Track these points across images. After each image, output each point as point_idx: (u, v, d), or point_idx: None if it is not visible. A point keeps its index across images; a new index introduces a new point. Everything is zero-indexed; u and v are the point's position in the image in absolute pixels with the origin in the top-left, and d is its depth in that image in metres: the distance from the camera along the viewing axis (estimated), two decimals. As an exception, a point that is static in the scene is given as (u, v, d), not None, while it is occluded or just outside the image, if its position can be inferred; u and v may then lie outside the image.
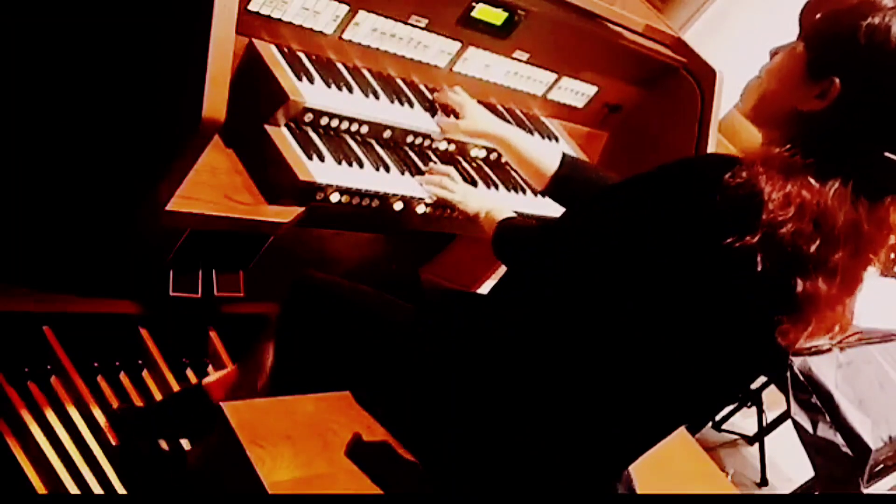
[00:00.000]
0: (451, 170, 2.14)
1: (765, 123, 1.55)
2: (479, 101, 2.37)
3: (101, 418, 2.07)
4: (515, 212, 2.26)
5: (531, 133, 2.49)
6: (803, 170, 1.40)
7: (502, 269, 1.90)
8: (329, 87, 1.99)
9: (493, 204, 1.97)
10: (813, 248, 1.39)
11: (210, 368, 2.35)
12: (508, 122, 2.43)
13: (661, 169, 1.53)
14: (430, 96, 2.24)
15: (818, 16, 1.48)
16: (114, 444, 2.05)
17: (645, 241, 1.46)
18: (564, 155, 2.08)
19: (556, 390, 1.54)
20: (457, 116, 2.20)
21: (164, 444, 2.12)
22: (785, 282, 1.40)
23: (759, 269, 1.37)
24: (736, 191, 1.37)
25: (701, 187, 1.41)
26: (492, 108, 2.35)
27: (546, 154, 2.09)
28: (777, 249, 1.37)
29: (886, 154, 1.41)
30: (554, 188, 2.05)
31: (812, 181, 1.40)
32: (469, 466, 1.58)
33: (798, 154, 1.42)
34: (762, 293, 1.41)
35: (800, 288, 1.40)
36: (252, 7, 1.85)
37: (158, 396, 2.22)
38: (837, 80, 1.42)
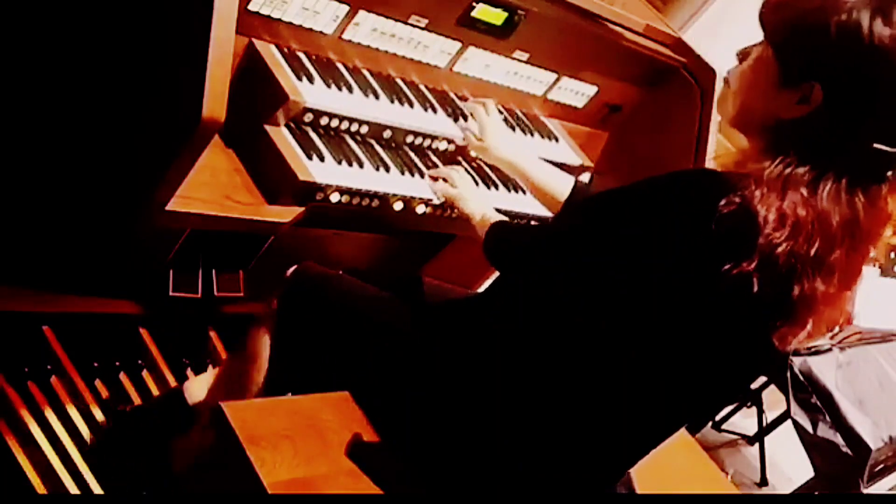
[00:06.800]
0: (459, 169, 2.15)
1: (750, 133, 1.52)
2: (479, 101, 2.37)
3: (101, 418, 2.07)
4: (515, 212, 2.27)
5: (531, 134, 2.49)
6: (798, 182, 1.38)
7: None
8: (329, 87, 1.99)
9: (493, 212, 1.97)
10: (812, 252, 1.37)
11: (210, 368, 2.35)
12: (508, 122, 2.43)
13: (655, 185, 1.48)
14: (430, 97, 2.25)
15: (783, 19, 1.44)
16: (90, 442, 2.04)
17: (637, 258, 1.43)
18: (576, 181, 2.09)
19: (552, 394, 1.53)
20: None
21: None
22: (781, 290, 1.39)
23: (756, 290, 1.35)
24: (731, 219, 1.34)
25: (696, 213, 1.37)
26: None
27: (558, 181, 2.10)
28: (773, 267, 1.35)
29: (876, 145, 1.39)
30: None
31: (807, 193, 1.37)
32: (467, 468, 1.58)
33: (793, 164, 1.39)
34: (758, 305, 1.39)
35: (796, 292, 1.39)
36: (252, 7, 1.85)
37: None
38: (818, 85, 1.39)
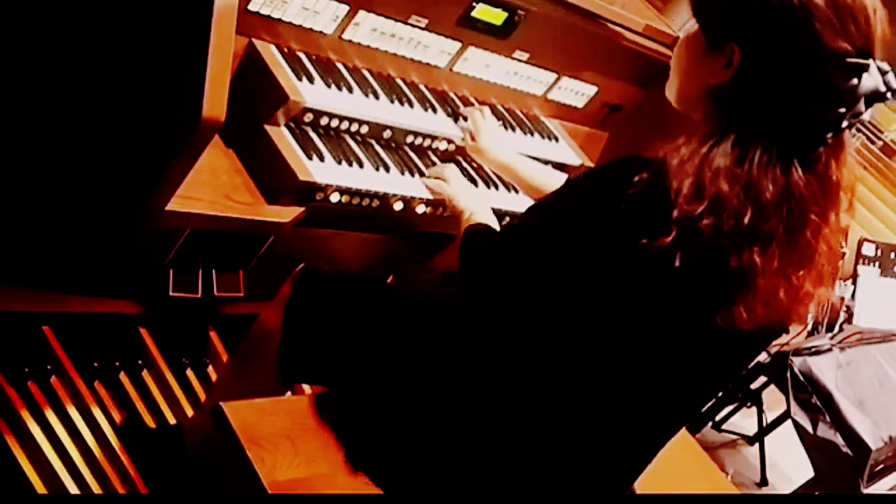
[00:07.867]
0: (454, 167, 2.15)
1: (690, 108, 1.52)
2: (479, 101, 2.37)
3: (101, 418, 2.07)
4: (514, 212, 2.26)
5: (531, 134, 2.49)
6: (721, 153, 1.36)
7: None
8: (329, 87, 1.99)
9: (484, 212, 1.95)
10: (743, 224, 1.34)
11: (210, 368, 2.35)
12: (508, 122, 2.43)
13: (588, 175, 1.53)
14: (430, 97, 2.25)
15: None
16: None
17: (572, 250, 1.43)
18: (569, 179, 2.08)
19: (551, 394, 1.52)
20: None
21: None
22: (715, 265, 1.36)
23: (678, 264, 1.33)
24: (642, 193, 1.33)
25: (611, 193, 1.38)
26: (491, 108, 2.35)
27: (552, 181, 2.10)
28: (698, 242, 1.33)
29: (805, 106, 1.37)
30: None
31: (731, 163, 1.36)
32: (467, 469, 1.58)
33: (717, 134, 1.37)
34: (692, 283, 1.37)
35: (733, 263, 1.36)
36: (252, 7, 1.85)
37: (158, 396, 2.22)
38: (736, 46, 1.40)
